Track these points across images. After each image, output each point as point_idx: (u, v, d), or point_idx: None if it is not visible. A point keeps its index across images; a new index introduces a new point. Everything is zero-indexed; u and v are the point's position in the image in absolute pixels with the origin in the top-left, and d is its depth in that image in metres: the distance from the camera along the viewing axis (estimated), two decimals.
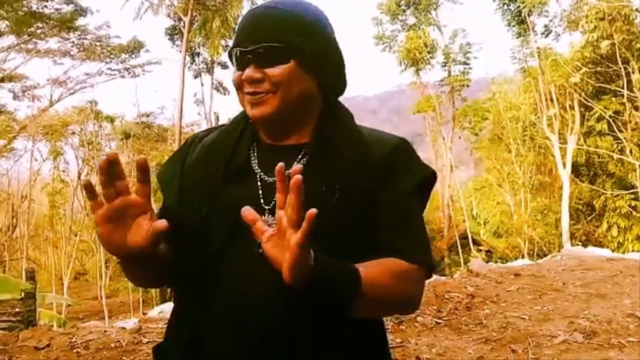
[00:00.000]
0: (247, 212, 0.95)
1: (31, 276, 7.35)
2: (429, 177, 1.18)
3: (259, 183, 1.12)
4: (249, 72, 1.08)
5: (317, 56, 1.11)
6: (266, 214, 1.07)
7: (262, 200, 1.10)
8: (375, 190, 1.11)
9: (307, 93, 1.12)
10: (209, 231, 1.09)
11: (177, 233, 1.05)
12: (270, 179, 1.10)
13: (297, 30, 1.09)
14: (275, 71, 1.07)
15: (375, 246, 1.08)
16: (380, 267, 1.05)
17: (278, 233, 0.93)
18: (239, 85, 1.12)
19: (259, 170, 1.13)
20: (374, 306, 1.05)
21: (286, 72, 1.08)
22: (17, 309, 6.32)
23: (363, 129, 1.20)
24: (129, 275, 1.15)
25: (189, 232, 1.09)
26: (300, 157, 1.13)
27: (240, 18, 1.22)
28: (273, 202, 1.05)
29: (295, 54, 1.08)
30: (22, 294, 6.48)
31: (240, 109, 1.23)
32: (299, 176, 0.87)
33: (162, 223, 0.95)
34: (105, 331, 4.58)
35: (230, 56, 1.15)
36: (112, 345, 4.21)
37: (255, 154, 1.16)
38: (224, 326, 1.06)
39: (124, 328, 4.75)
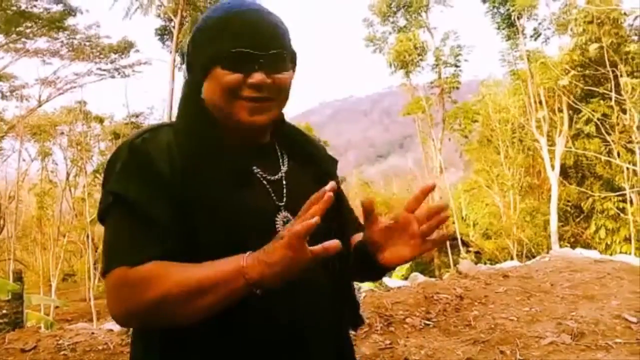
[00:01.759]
0: (367, 201, 1.11)
1: (18, 277, 7.29)
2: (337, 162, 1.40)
3: (265, 182, 1.15)
4: (261, 77, 1.07)
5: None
6: (282, 211, 1.13)
7: (274, 197, 1.15)
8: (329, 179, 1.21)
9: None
10: (233, 241, 1.02)
11: (183, 250, 1.02)
12: (273, 177, 1.16)
13: (289, 38, 1.15)
14: (282, 78, 1.11)
15: (343, 226, 1.23)
16: None
17: (400, 229, 1.14)
18: (234, 89, 1.07)
19: (259, 170, 1.15)
20: None
21: (289, 79, 1.13)
22: (4, 311, 6.26)
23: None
24: (216, 307, 0.98)
25: (204, 246, 1.02)
26: (279, 155, 1.22)
27: (213, 13, 1.14)
28: (285, 199, 1.15)
29: (292, 62, 1.15)
30: (9, 295, 6.41)
31: None
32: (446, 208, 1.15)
33: (336, 242, 0.95)
34: (93, 333, 4.55)
35: (214, 58, 1.08)
36: (100, 347, 4.18)
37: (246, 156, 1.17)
38: (267, 326, 1.07)
39: (111, 330, 4.72)
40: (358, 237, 1.23)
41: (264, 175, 1.15)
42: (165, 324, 1.03)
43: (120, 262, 1.01)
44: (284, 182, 1.17)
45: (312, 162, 1.25)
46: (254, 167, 1.15)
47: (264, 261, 0.94)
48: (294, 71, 1.17)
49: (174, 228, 1.03)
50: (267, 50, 1.07)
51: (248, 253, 0.96)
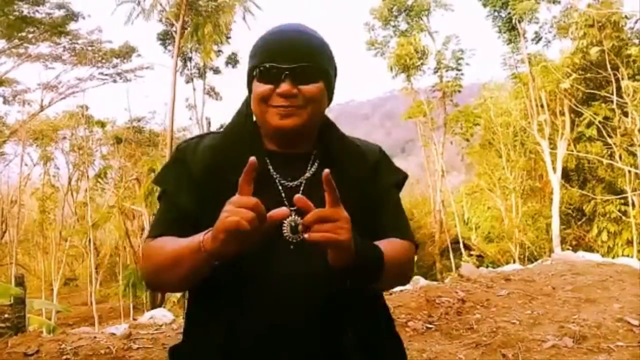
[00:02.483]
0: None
1: (20, 282, 7.30)
2: (405, 178, 1.44)
3: (280, 188, 1.25)
4: (286, 86, 1.18)
5: (334, 78, 1.30)
6: (293, 214, 1.18)
7: (286, 203, 1.20)
8: (371, 187, 1.31)
9: (324, 109, 1.29)
10: None
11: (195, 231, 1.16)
12: (290, 184, 1.26)
13: (324, 54, 1.26)
14: (310, 89, 1.21)
15: (376, 232, 1.27)
16: (390, 244, 1.25)
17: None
18: (266, 98, 1.21)
19: (277, 176, 1.26)
20: (390, 277, 1.23)
21: (318, 91, 1.23)
22: (6, 315, 6.27)
23: (349, 137, 1.39)
24: (190, 276, 1.15)
25: None
26: (310, 164, 1.29)
27: (260, 37, 1.28)
28: None
29: (323, 76, 1.24)
30: (12, 299, 6.43)
31: (230, 115, 1.35)
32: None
33: (282, 210, 1.05)
34: (95, 337, 4.55)
35: (253, 71, 1.24)
36: (102, 351, 4.18)
37: (268, 162, 1.26)
38: (266, 321, 1.16)
39: (114, 334, 4.72)
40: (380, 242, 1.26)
41: (281, 181, 1.25)
42: (166, 285, 1.34)
43: (148, 236, 1.29)
44: (302, 188, 1.24)
45: (346, 168, 1.27)
46: (274, 173, 1.26)
47: (213, 234, 1.05)
48: (328, 86, 1.26)
49: (194, 215, 1.23)
50: (293, 63, 1.19)
51: (209, 229, 1.07)
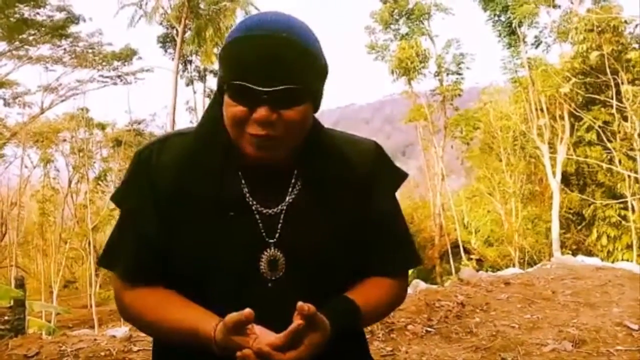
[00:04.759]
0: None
1: (20, 284, 7.30)
2: (404, 178, 1.25)
3: (257, 216, 1.07)
4: (264, 112, 0.96)
5: (323, 90, 1.07)
6: (272, 248, 1.06)
7: (264, 234, 1.06)
8: (363, 203, 1.14)
9: (309, 127, 1.08)
10: (211, 270, 1.05)
11: (164, 265, 1.08)
12: (269, 211, 1.07)
13: (312, 67, 1.01)
14: (292, 114, 0.98)
15: (365, 259, 1.15)
16: (373, 295, 1.13)
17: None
18: (240, 122, 0.99)
19: (255, 202, 1.07)
20: (372, 321, 1.19)
21: (302, 114, 1.00)
22: (6, 317, 6.28)
23: (336, 136, 1.18)
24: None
25: (183, 267, 1.07)
26: (292, 182, 1.10)
27: (234, 32, 1.02)
28: (277, 235, 1.07)
29: (310, 95, 1.02)
30: (12, 301, 6.43)
31: None
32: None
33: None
34: (95, 339, 4.55)
35: (223, 84, 1.01)
36: (102, 353, 4.19)
37: (244, 182, 1.08)
38: None
39: (114, 336, 4.72)
40: (366, 287, 1.14)
41: (259, 209, 1.07)
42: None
43: (119, 275, 1.13)
44: (282, 216, 1.07)
45: (333, 186, 1.11)
46: (249, 198, 1.07)
47: (221, 345, 0.95)
48: (315, 100, 1.05)
49: (159, 243, 1.08)
50: (271, 85, 0.95)
51: (218, 324, 0.96)
